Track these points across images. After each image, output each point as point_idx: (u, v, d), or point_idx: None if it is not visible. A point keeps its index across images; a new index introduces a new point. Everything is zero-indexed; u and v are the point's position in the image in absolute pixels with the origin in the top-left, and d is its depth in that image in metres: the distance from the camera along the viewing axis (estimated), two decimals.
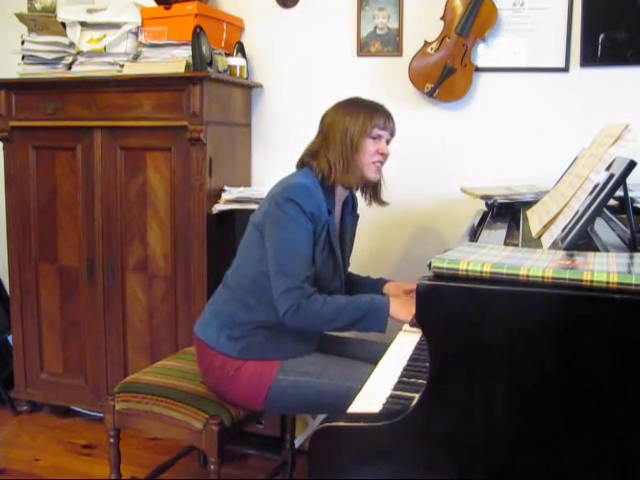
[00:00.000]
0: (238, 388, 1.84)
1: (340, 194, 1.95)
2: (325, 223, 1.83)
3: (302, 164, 1.94)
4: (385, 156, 1.92)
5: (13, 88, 2.76)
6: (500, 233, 1.70)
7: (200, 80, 2.42)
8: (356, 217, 2.10)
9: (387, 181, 2.68)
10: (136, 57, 2.64)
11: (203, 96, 2.43)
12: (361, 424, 1.16)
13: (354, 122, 1.86)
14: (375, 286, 2.06)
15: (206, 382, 1.93)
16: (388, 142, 1.94)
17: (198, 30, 2.47)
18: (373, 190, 2.02)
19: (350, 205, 2.05)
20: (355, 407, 1.35)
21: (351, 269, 2.18)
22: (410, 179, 2.66)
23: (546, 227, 1.45)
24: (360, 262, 2.42)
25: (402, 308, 1.77)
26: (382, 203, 2.06)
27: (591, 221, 1.31)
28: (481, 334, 1.05)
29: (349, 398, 1.41)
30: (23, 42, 2.75)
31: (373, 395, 1.40)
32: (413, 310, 1.75)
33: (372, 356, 1.78)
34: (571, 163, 1.90)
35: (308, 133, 2.70)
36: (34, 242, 2.82)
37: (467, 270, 1.06)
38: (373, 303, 1.76)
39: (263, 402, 1.83)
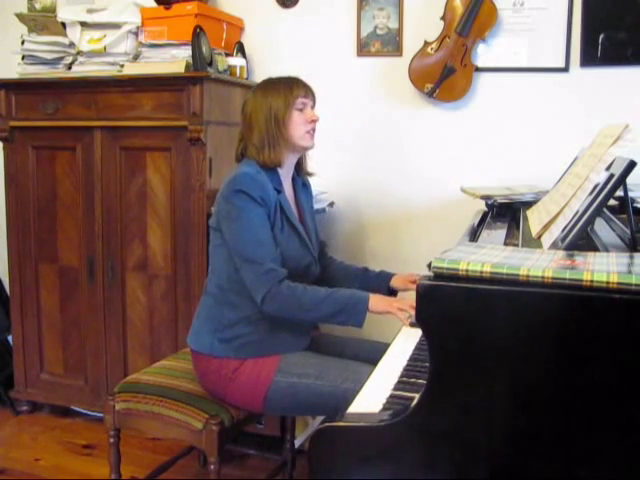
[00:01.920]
0: (236, 391, 1.83)
1: (284, 172, 1.94)
2: (276, 202, 1.83)
3: (238, 158, 1.95)
4: (315, 122, 1.93)
5: (13, 88, 2.75)
6: (500, 233, 1.70)
7: (200, 80, 2.42)
8: (310, 193, 2.10)
9: (386, 181, 2.70)
10: (136, 57, 2.64)
11: (203, 96, 2.43)
12: (361, 424, 1.16)
13: (276, 99, 1.88)
14: (379, 279, 2.04)
15: (204, 388, 1.92)
16: (312, 108, 1.96)
17: (198, 30, 2.47)
18: (297, 162, 2.01)
19: (300, 182, 2.05)
20: (355, 407, 1.35)
21: None
22: (410, 179, 2.66)
23: (546, 227, 1.45)
24: (359, 262, 2.42)
25: (380, 300, 1.77)
26: (308, 173, 2.07)
27: (591, 221, 1.31)
28: (481, 334, 1.05)
29: (347, 399, 1.41)
30: (23, 42, 2.75)
31: (373, 395, 1.40)
32: (392, 303, 1.76)
33: (372, 356, 1.78)
34: (571, 163, 1.90)
35: None
36: (34, 242, 2.82)
37: (467, 270, 1.06)
38: (353, 297, 1.76)
39: (262, 404, 1.82)
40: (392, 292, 2.01)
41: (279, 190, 1.87)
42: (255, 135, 1.88)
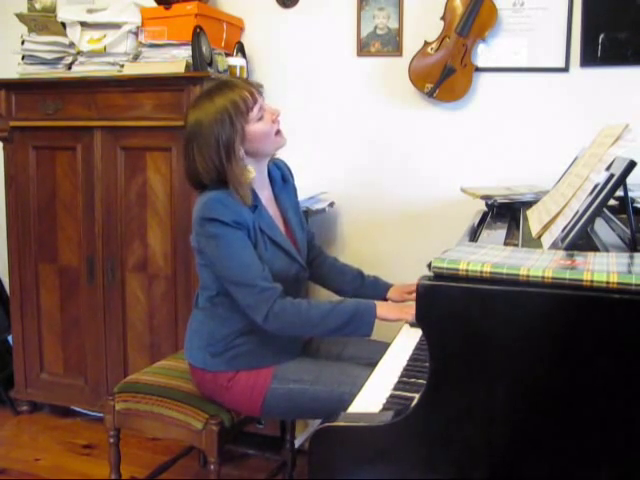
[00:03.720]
0: (233, 398, 1.82)
1: (259, 181, 1.83)
2: (254, 223, 1.74)
3: (199, 187, 1.79)
4: (277, 118, 1.79)
5: (13, 88, 2.75)
6: (500, 233, 1.70)
7: (200, 80, 2.42)
8: (291, 188, 1.98)
9: (386, 181, 2.70)
10: (136, 57, 2.64)
11: None
12: (361, 424, 1.16)
13: (221, 126, 1.69)
14: (374, 288, 2.01)
15: (202, 396, 1.90)
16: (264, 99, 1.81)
17: (198, 30, 2.47)
18: None
19: (279, 180, 1.93)
20: (355, 407, 1.35)
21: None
22: (410, 179, 2.66)
23: (546, 227, 1.45)
24: (359, 262, 2.41)
25: (389, 308, 1.73)
26: (274, 158, 1.94)
27: (591, 221, 1.31)
28: (481, 334, 1.05)
29: (343, 403, 1.40)
30: (23, 42, 2.75)
31: (373, 395, 1.40)
32: (403, 309, 1.74)
33: (372, 356, 1.78)
34: (571, 163, 1.90)
35: (308, 133, 2.72)
36: (34, 242, 2.82)
37: (467, 270, 1.06)
38: (359, 307, 1.70)
39: (259, 410, 1.81)
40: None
41: (256, 205, 1.77)
42: (212, 173, 1.72)
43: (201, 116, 1.71)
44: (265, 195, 1.86)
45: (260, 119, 1.76)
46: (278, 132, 1.80)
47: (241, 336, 1.81)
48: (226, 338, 1.81)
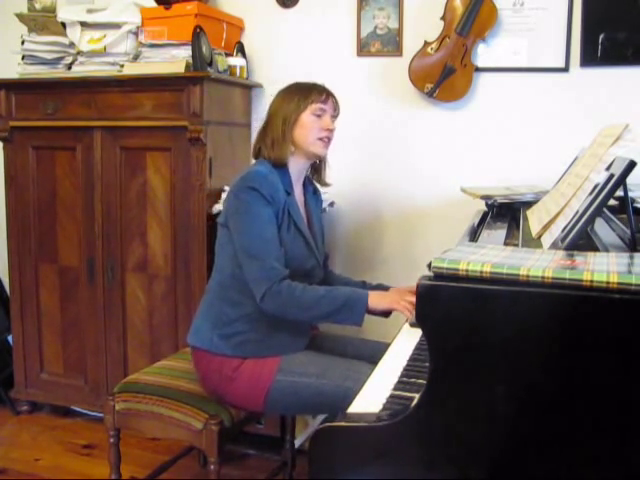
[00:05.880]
0: (237, 390, 1.83)
1: (295, 175, 1.95)
2: (285, 204, 1.85)
3: (256, 154, 1.98)
4: (331, 131, 1.93)
5: (13, 88, 2.75)
6: (500, 233, 1.70)
7: (200, 80, 2.42)
8: (319, 201, 2.12)
9: (386, 181, 2.70)
10: (136, 57, 2.64)
11: (203, 96, 2.43)
12: (361, 424, 1.16)
13: (288, 102, 1.91)
14: (375, 289, 2.01)
15: (205, 388, 1.91)
16: (335, 119, 1.96)
17: (198, 30, 2.47)
18: (316, 170, 2.05)
19: (311, 189, 2.06)
20: (355, 407, 1.35)
21: (350, 270, 2.18)
22: (410, 179, 2.66)
23: (546, 227, 1.45)
24: (359, 262, 2.42)
25: (381, 297, 1.76)
26: (324, 183, 2.08)
27: (591, 221, 1.31)
28: (481, 334, 1.05)
29: (348, 398, 1.41)
30: (23, 42, 2.75)
31: (373, 395, 1.40)
32: (394, 299, 1.75)
33: (373, 355, 1.78)
34: (571, 163, 1.90)
35: None
36: (34, 242, 2.82)
37: (467, 270, 1.06)
38: (353, 295, 1.75)
39: (263, 403, 1.82)
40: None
41: (289, 192, 1.88)
42: (268, 135, 1.92)
43: (282, 93, 1.96)
44: (298, 191, 1.97)
45: (315, 116, 1.90)
46: (323, 141, 1.92)
47: (249, 322, 1.84)
48: (235, 322, 1.84)
